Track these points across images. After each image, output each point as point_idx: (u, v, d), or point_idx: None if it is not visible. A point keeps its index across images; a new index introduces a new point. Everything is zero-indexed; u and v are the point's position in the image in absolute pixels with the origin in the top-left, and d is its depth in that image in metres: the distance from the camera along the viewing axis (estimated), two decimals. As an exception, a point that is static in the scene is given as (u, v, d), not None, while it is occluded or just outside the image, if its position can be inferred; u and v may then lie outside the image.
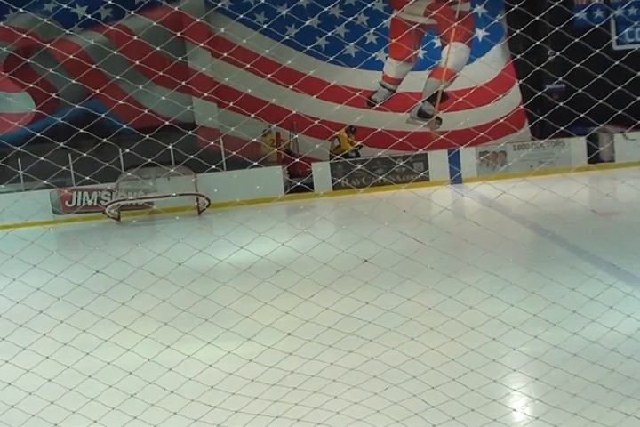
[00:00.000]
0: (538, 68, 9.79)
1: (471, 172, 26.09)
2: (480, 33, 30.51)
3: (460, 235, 12.71)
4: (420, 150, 22.63)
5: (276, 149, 24.24)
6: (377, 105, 27.98)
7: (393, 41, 28.49)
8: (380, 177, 24.44)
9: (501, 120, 11.29)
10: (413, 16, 28.50)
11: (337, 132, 24.08)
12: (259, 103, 10.58)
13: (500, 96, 24.70)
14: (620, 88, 8.90)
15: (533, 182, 9.76)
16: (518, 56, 9.94)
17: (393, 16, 28.36)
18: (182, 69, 23.13)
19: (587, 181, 23.95)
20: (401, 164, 24.91)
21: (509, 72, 29.03)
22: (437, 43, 30.56)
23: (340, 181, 24.90)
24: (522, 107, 27.71)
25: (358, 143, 25.76)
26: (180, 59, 9.21)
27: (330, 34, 9.52)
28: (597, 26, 9.28)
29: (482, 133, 10.42)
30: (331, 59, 11.32)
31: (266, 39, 24.36)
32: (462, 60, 29.65)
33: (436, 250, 10.68)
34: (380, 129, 9.14)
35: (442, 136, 11.48)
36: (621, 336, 9.08)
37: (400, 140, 9.52)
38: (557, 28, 9.30)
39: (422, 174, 25.57)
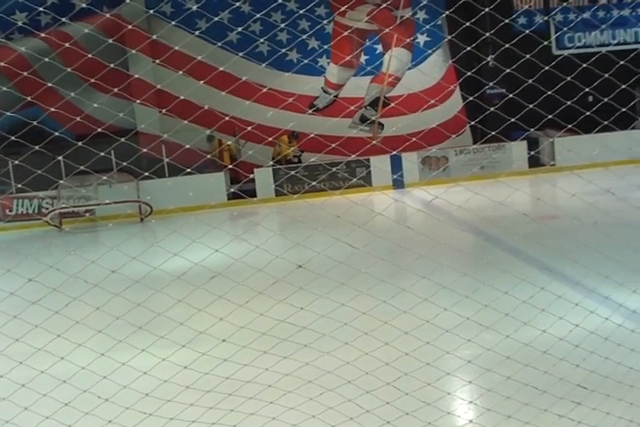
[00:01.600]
0: (469, 73, 9.87)
1: (413, 176, 26.22)
2: (421, 38, 30.65)
3: (399, 240, 12.80)
4: (353, 156, 22.75)
5: (208, 156, 24.04)
6: (310, 111, 27.97)
7: (326, 46, 28.58)
8: (314, 183, 24.41)
9: (434, 126, 11.35)
10: (355, 22, 28.60)
11: (271, 138, 23.90)
12: (205, 112, 10.56)
13: (432, 101, 24.82)
14: (549, 93, 9.03)
15: (467, 187, 9.85)
16: (450, 62, 10.03)
17: (333, 21, 28.42)
18: (124, 76, 23.02)
19: (527, 184, 24.19)
20: (335, 169, 24.90)
21: (450, 77, 29.22)
22: (379, 48, 30.66)
23: (275, 187, 24.87)
24: (458, 113, 27.88)
25: (293, 148, 25.73)
26: (112, 65, 9.11)
27: (262, 41, 9.50)
28: (528, 31, 9.36)
29: (414, 139, 10.51)
30: (263, 65, 11.36)
31: (208, 46, 24.24)
32: (404, 66, 29.78)
33: (373, 255, 10.76)
34: (312, 135, 9.19)
35: (374, 142, 11.50)
36: (554, 338, 9.20)
37: (333, 145, 9.57)
38: (488, 34, 9.45)
39: (358, 179, 25.57)
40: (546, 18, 30.10)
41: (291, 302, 8.68)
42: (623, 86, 9.59)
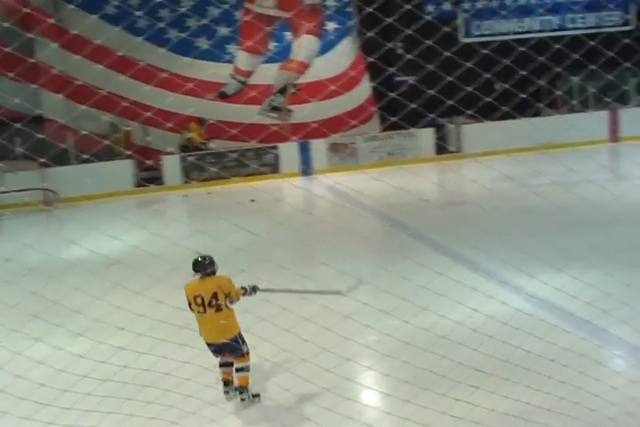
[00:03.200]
0: (373, 58, 9.89)
1: (321, 163, 26.19)
2: (330, 25, 30.63)
3: (305, 227, 12.82)
4: (253, 142, 22.76)
5: (106, 142, 23.56)
6: (219, 98, 27.65)
7: (235, 33, 28.35)
8: (213, 169, 24.22)
9: (342, 112, 11.37)
10: (265, 8, 28.48)
11: (170, 124, 23.33)
12: (110, 97, 10.42)
13: (335, 88, 24.85)
14: (450, 79, 9.08)
15: (375, 174, 9.90)
16: (358, 49, 10.02)
17: (242, 8, 28.28)
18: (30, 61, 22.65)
19: (434, 171, 24.36)
20: (243, 156, 24.75)
21: (359, 64, 29.23)
22: (288, 35, 30.58)
23: (182, 174, 24.64)
24: (366, 100, 27.87)
25: (190, 134, 25.36)
26: (7, 50, 8.89)
27: (159, 23, 9.38)
28: (430, 17, 9.39)
29: (316, 126, 10.52)
30: (164, 50, 11.22)
31: (117, 31, 23.88)
32: (313, 53, 29.72)
33: (276, 242, 10.75)
34: (219, 121, 9.12)
35: (283, 129, 11.47)
36: (452, 323, 9.26)
37: (235, 131, 9.54)
38: (391, 19, 9.45)
39: (266, 166, 25.41)
40: (454, 5, 30.27)
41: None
42: (523, 73, 9.70)
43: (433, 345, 9.05)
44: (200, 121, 25.76)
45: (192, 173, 25.14)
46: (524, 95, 9.85)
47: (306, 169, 25.52)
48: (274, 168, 25.48)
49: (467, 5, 30.86)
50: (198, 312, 8.81)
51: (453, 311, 9.42)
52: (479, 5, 31.03)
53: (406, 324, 9.18)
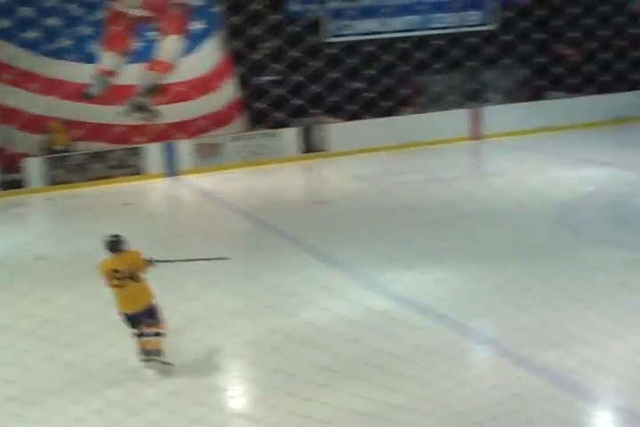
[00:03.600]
0: (238, 61, 9.89)
1: (187, 163, 25.97)
2: (197, 25, 30.47)
3: (164, 230, 12.68)
4: (116, 143, 22.69)
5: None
6: (70, 96, 27.32)
7: (98, 33, 28.06)
8: (75, 171, 23.89)
9: (209, 113, 11.37)
10: (129, 8, 28.18)
11: (29, 125, 22.82)
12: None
13: (199, 88, 24.81)
14: (302, 79, 9.13)
15: (241, 174, 9.89)
16: (222, 48, 10.00)
17: (106, 7, 27.93)
18: None
19: (299, 170, 24.33)
20: (95, 157, 24.38)
21: (226, 64, 29.18)
22: (153, 35, 30.32)
23: (45, 176, 24.17)
24: (233, 100, 27.77)
25: (51, 136, 24.93)
26: None
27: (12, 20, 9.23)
28: (281, 17, 9.48)
29: (185, 128, 10.47)
30: (22, 48, 10.92)
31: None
32: (177, 53, 29.54)
33: (130, 246, 10.61)
34: (59, 121, 9.00)
35: (149, 129, 11.45)
36: (302, 322, 9.28)
37: (83, 131, 9.43)
38: (236, 18, 9.46)
39: (131, 167, 25.08)
40: (318, 5, 30.32)
41: (34, 295, 8.50)
42: (372, 72, 9.81)
43: (281, 345, 9.05)
44: (62, 122, 25.36)
45: (56, 176, 24.66)
46: (373, 94, 9.97)
47: (171, 170, 25.27)
48: (138, 169, 25.15)
49: (331, 4, 30.98)
50: (116, 286, 9.02)
51: (304, 310, 9.45)
52: (343, 5, 31.19)
53: (255, 324, 9.21)
